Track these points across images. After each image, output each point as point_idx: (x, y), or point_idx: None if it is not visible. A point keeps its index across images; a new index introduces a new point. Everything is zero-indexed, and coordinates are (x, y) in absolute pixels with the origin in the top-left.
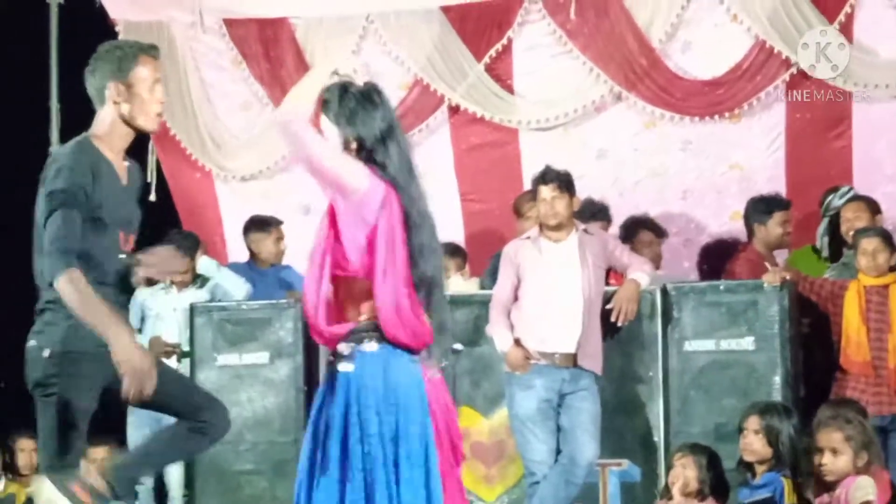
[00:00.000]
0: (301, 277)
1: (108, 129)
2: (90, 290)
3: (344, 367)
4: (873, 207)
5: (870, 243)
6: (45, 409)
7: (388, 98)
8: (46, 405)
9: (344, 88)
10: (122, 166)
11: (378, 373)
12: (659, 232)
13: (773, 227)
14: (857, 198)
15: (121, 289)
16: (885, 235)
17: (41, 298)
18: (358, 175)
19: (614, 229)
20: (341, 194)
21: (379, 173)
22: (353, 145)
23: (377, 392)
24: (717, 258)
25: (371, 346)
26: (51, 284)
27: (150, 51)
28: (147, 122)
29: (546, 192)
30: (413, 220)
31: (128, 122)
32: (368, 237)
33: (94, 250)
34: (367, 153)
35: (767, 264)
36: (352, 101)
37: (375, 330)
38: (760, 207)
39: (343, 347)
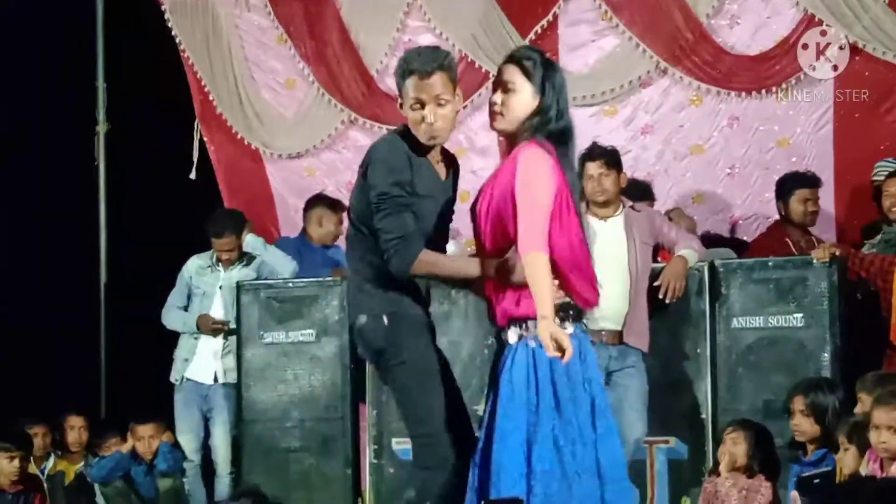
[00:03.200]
0: None
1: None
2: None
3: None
4: None
5: None
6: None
7: None
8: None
9: (545, 58)
10: (439, 165)
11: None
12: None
13: (795, 204)
14: None
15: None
16: None
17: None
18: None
19: (658, 206)
20: None
21: (549, 147)
22: (550, 119)
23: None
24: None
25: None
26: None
27: (428, 64)
28: (422, 135)
29: (593, 168)
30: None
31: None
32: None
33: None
34: (552, 120)
35: (814, 240)
36: (557, 74)
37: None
38: (784, 185)
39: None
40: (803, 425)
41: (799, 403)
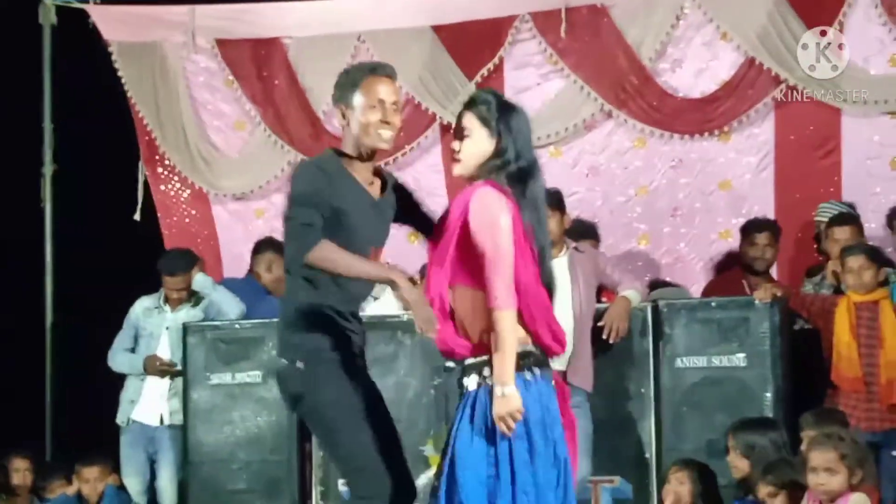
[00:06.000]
0: None
1: (350, 147)
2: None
3: None
4: (858, 229)
5: (855, 261)
6: None
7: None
8: None
9: (500, 98)
10: (369, 183)
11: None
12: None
13: (743, 247)
14: (842, 220)
15: (361, 302)
16: (869, 252)
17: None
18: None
19: (602, 247)
20: None
21: (507, 188)
22: (507, 162)
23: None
24: (705, 277)
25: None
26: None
27: (376, 71)
28: (373, 139)
29: None
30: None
31: (359, 141)
32: None
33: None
34: (510, 162)
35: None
36: (514, 115)
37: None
38: (741, 230)
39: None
40: (735, 462)
41: (731, 441)
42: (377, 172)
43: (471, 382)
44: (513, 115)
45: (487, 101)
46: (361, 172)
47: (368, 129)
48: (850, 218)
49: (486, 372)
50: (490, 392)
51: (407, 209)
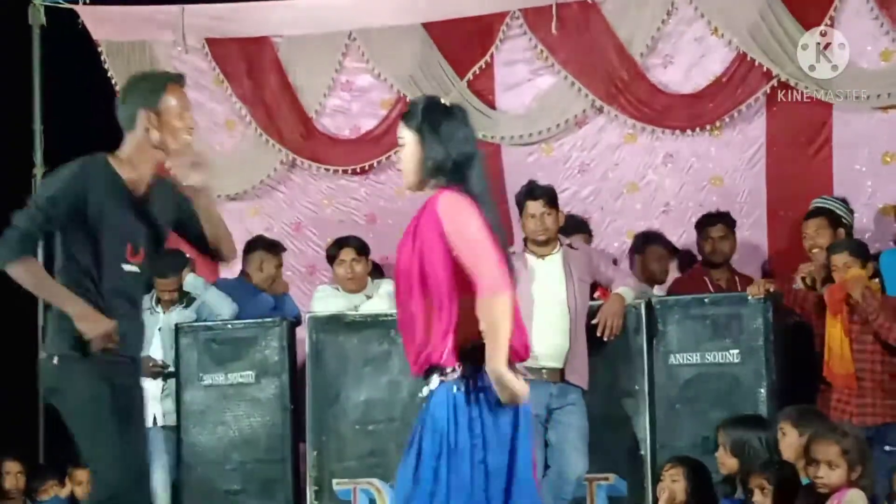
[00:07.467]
0: (297, 308)
1: (136, 152)
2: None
3: None
4: (834, 222)
5: (840, 258)
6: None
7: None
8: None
9: (429, 101)
10: (141, 185)
11: None
12: (669, 246)
13: (699, 242)
14: (811, 213)
15: (125, 298)
16: (853, 248)
17: None
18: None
19: (595, 243)
20: None
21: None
22: (438, 161)
23: None
24: None
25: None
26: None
27: (178, 80)
28: (176, 145)
29: (535, 207)
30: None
31: (158, 147)
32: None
33: (85, 259)
34: (443, 161)
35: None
36: (439, 113)
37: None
38: (697, 226)
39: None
40: (723, 459)
41: (721, 437)
42: (157, 175)
43: (433, 382)
44: (438, 114)
45: (414, 107)
46: (130, 173)
47: (177, 133)
48: (818, 211)
49: (448, 370)
50: (448, 389)
51: (182, 221)
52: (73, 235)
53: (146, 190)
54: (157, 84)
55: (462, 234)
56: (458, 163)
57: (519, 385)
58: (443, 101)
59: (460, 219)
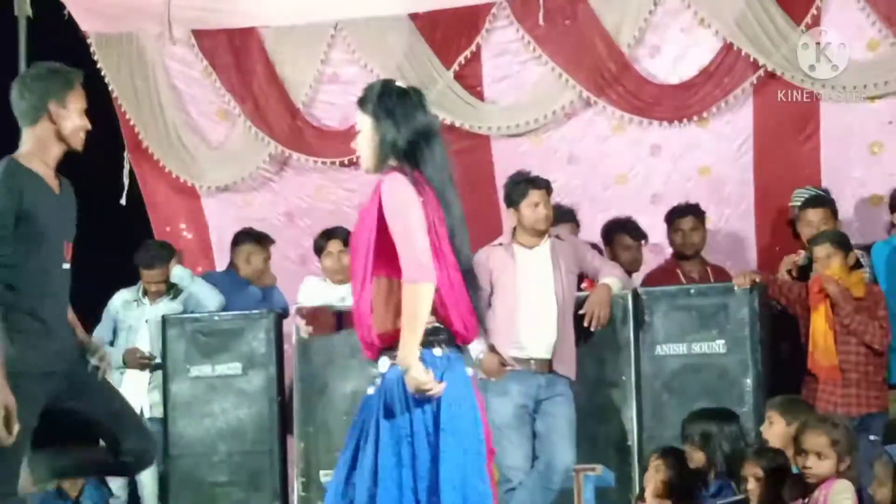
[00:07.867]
0: (284, 301)
1: (42, 146)
2: None
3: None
4: (831, 211)
5: (822, 250)
6: None
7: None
8: None
9: (383, 84)
10: (54, 180)
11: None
12: (638, 235)
13: (669, 235)
14: (816, 202)
15: (61, 302)
16: (834, 239)
17: None
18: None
19: (584, 234)
20: None
21: (415, 175)
22: (392, 142)
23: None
24: None
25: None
26: None
27: (81, 77)
28: (77, 141)
29: (538, 196)
30: (452, 229)
31: (62, 140)
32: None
33: (35, 263)
34: (396, 142)
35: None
36: (390, 96)
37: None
38: (665, 217)
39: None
40: (690, 453)
41: (687, 431)
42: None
43: (383, 364)
44: (391, 96)
45: (368, 91)
46: (43, 169)
47: (77, 132)
48: (823, 200)
49: (396, 353)
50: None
51: None
52: (16, 247)
53: (59, 183)
54: (67, 78)
55: (394, 218)
56: (413, 143)
57: (424, 377)
58: (398, 83)
59: (395, 202)
